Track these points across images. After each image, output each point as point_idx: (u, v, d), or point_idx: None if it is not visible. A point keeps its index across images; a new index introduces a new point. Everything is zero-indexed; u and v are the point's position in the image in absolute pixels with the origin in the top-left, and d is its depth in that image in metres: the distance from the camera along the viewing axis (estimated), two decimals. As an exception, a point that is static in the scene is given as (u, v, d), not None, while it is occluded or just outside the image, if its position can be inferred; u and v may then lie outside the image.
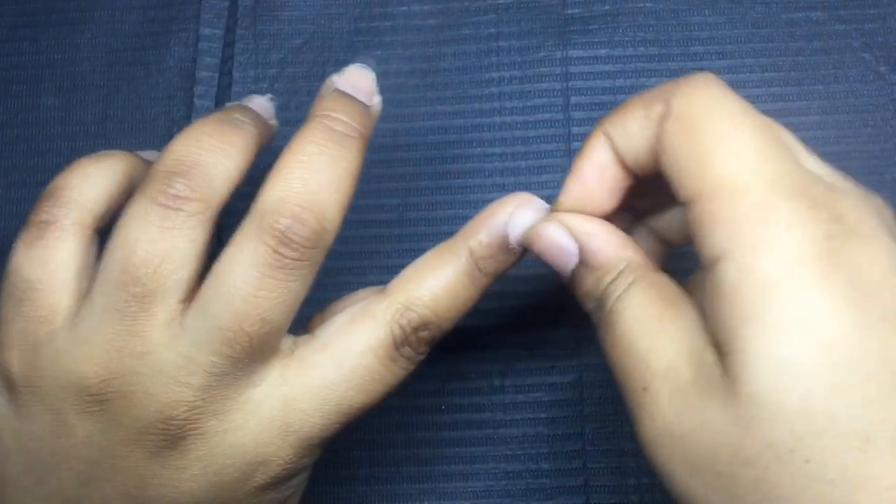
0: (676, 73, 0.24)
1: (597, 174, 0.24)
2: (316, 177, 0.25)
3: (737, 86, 0.35)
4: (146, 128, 0.36)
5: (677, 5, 0.37)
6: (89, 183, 0.26)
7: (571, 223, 0.25)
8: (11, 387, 0.25)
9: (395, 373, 0.26)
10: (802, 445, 0.19)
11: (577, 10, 0.37)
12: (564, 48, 0.36)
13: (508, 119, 0.36)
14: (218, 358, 0.24)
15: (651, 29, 0.36)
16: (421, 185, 0.35)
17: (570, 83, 0.36)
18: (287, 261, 0.24)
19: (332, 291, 0.28)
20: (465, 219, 0.27)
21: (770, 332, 0.19)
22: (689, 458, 0.21)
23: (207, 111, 0.36)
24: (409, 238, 0.35)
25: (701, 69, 0.35)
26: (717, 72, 0.36)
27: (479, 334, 0.34)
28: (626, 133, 0.24)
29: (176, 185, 0.24)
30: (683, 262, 0.32)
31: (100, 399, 0.24)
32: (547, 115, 0.36)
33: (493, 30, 0.37)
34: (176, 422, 0.24)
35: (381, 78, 0.36)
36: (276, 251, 0.24)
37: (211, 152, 0.25)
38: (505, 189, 0.35)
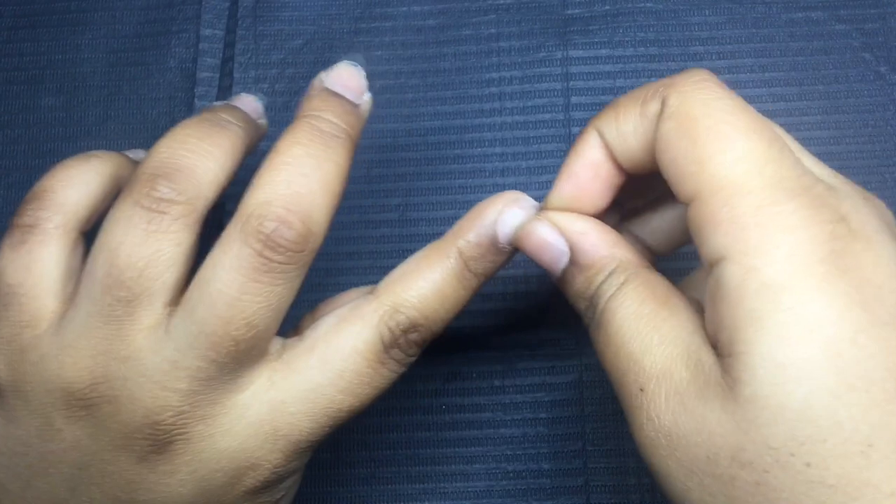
0: (677, 73, 0.24)
1: (589, 172, 0.24)
2: (302, 179, 0.24)
3: (737, 86, 0.35)
4: (147, 128, 0.36)
5: (677, 5, 0.37)
6: (74, 185, 0.26)
7: (561, 222, 0.24)
8: None
9: (384, 375, 0.25)
10: (803, 449, 0.19)
11: (577, 11, 0.37)
12: (565, 48, 0.36)
13: (509, 119, 0.36)
14: (204, 363, 0.24)
15: (651, 29, 0.36)
16: (421, 185, 0.35)
17: (571, 83, 0.36)
18: (273, 264, 0.24)
19: (332, 292, 0.28)
20: (465, 219, 0.27)
21: (773, 334, 0.19)
22: (686, 460, 0.20)
23: (208, 111, 0.36)
24: (409, 238, 0.35)
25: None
26: (717, 72, 0.36)
27: (479, 334, 0.34)
28: (620, 131, 0.23)
29: (160, 189, 0.24)
30: (681, 263, 0.32)
31: (86, 404, 0.24)
32: (547, 116, 0.36)
33: (493, 30, 0.37)
34: (163, 427, 0.24)
35: (382, 78, 0.36)
36: (261, 255, 0.23)
37: (196, 154, 0.25)
38: (505, 189, 0.35)
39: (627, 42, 0.36)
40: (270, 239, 0.23)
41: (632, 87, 0.35)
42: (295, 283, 0.24)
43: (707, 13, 0.36)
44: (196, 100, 0.36)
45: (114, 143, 0.36)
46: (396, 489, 0.33)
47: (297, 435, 0.25)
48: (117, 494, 0.25)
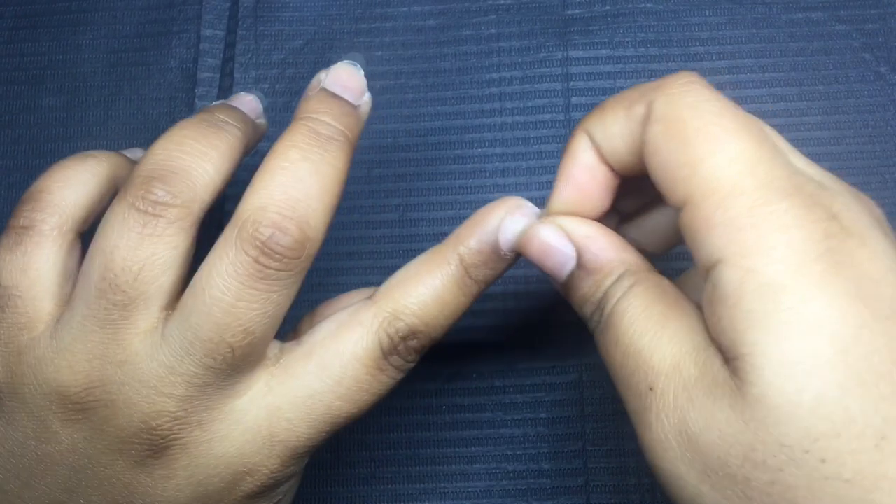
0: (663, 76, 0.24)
1: (586, 174, 0.24)
2: (298, 184, 0.24)
3: (737, 86, 0.36)
4: (147, 128, 0.36)
5: (678, 6, 0.37)
6: (70, 186, 0.26)
7: (568, 226, 0.24)
8: None
9: (382, 382, 0.25)
10: (817, 446, 0.19)
11: (577, 11, 0.37)
12: (565, 48, 0.36)
13: (509, 119, 0.36)
14: (200, 369, 0.24)
15: (651, 29, 0.36)
16: (421, 185, 0.35)
17: (571, 83, 0.36)
18: (269, 271, 0.23)
19: (332, 292, 0.28)
20: (465, 219, 0.27)
21: (777, 334, 0.19)
22: (698, 461, 0.20)
23: (208, 112, 0.36)
24: (409, 238, 0.35)
25: (701, 69, 0.35)
26: (717, 72, 0.36)
27: (480, 334, 0.34)
28: (607, 133, 0.23)
29: (156, 191, 0.24)
30: (678, 263, 0.32)
31: (82, 407, 0.24)
32: (547, 116, 0.36)
33: (493, 30, 0.37)
34: (159, 432, 0.24)
35: (382, 78, 0.36)
36: (257, 261, 0.23)
37: (192, 156, 0.25)
38: (505, 189, 0.35)
39: (627, 42, 0.36)
40: (266, 246, 0.23)
41: (632, 88, 0.36)
42: (292, 290, 0.24)
43: (707, 13, 0.36)
44: (197, 100, 0.36)
45: (114, 143, 0.36)
46: (396, 489, 0.33)
47: (295, 441, 0.25)
48: (114, 498, 0.24)
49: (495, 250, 0.25)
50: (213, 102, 0.29)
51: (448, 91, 0.36)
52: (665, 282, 0.23)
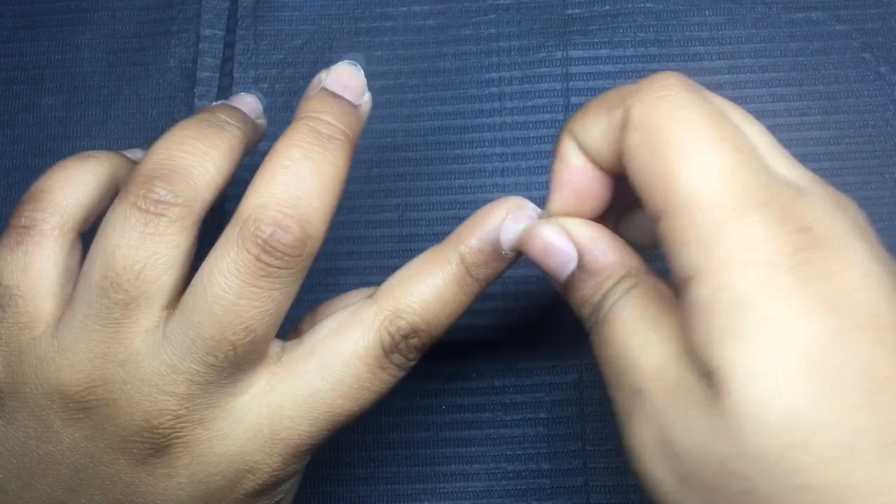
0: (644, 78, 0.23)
1: (579, 175, 0.24)
2: (299, 182, 0.24)
3: (737, 86, 0.36)
4: (147, 128, 0.36)
5: (677, 5, 0.37)
6: (71, 185, 0.26)
7: (571, 227, 0.24)
8: None
9: (383, 380, 0.25)
10: (789, 456, 0.19)
11: (577, 11, 0.37)
12: (565, 48, 0.36)
13: (509, 119, 0.36)
14: (201, 367, 0.24)
15: (651, 29, 0.36)
16: (421, 185, 0.35)
17: (571, 83, 0.36)
18: (271, 269, 0.23)
19: (332, 292, 0.28)
20: (464, 219, 0.27)
21: (748, 349, 0.19)
22: (678, 466, 0.20)
23: (208, 111, 0.36)
24: (408, 238, 0.35)
25: (701, 69, 0.35)
26: (717, 72, 0.36)
27: (479, 334, 0.34)
28: (590, 137, 0.23)
29: (157, 190, 0.24)
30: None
31: (83, 406, 0.24)
32: (547, 116, 0.36)
33: (493, 30, 0.37)
34: (160, 430, 0.24)
35: (381, 78, 0.36)
36: (258, 259, 0.23)
37: (193, 155, 0.25)
38: (505, 189, 0.35)
39: (627, 42, 0.36)
40: (268, 244, 0.23)
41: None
42: (293, 288, 0.24)
43: (707, 13, 0.36)
44: (196, 100, 0.36)
45: (114, 143, 0.36)
46: (396, 489, 0.33)
47: (296, 439, 0.25)
48: (116, 497, 0.25)
49: (496, 249, 0.25)
50: (214, 103, 0.29)
51: (447, 91, 0.36)
52: (663, 286, 0.23)
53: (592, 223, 0.24)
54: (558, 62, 0.36)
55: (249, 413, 0.25)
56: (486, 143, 0.36)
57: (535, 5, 0.37)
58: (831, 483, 0.19)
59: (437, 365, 0.34)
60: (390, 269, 0.27)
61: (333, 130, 0.25)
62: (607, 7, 0.37)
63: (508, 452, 0.33)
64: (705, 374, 0.20)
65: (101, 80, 0.37)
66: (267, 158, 0.25)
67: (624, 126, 0.22)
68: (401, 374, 0.26)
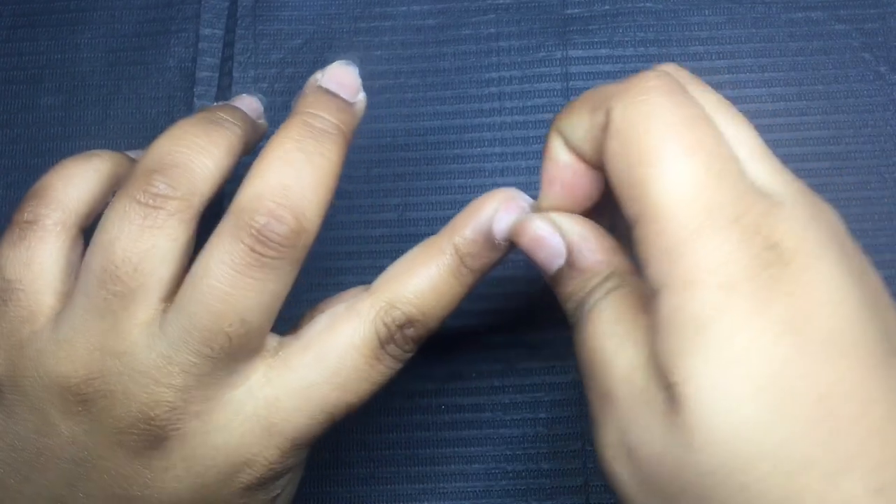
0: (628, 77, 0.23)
1: (568, 174, 0.24)
2: (293, 174, 0.24)
3: (737, 86, 0.36)
4: (146, 128, 0.36)
5: (677, 5, 0.37)
6: (73, 183, 0.26)
7: (561, 223, 0.24)
8: None
9: (380, 371, 0.25)
10: (739, 474, 0.19)
11: (577, 10, 0.37)
12: (564, 48, 0.36)
13: (508, 119, 0.36)
14: (197, 358, 0.24)
15: (651, 29, 0.36)
16: (420, 185, 0.35)
17: (571, 83, 0.36)
18: (265, 259, 0.24)
19: (332, 292, 0.28)
20: (464, 219, 0.27)
21: (705, 367, 0.20)
22: (639, 473, 0.21)
23: (207, 111, 0.36)
24: (408, 238, 0.35)
25: (700, 69, 0.35)
26: (717, 72, 0.36)
27: (480, 334, 0.34)
28: (575, 135, 0.23)
29: (156, 184, 0.24)
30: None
31: (82, 399, 0.24)
32: (547, 116, 0.36)
33: (493, 30, 0.37)
34: (157, 422, 0.24)
35: (381, 78, 0.36)
36: (252, 249, 0.23)
37: (193, 151, 0.25)
38: (505, 189, 0.35)
39: (627, 42, 0.36)
40: (261, 234, 0.23)
41: (631, 87, 0.36)
42: (288, 279, 0.24)
43: (707, 13, 0.36)
44: (195, 99, 0.36)
45: (113, 143, 0.36)
46: (396, 489, 0.33)
47: (293, 431, 0.25)
48: (113, 490, 0.25)
49: (489, 239, 0.26)
50: (214, 104, 0.29)
51: (447, 90, 0.36)
52: (646, 287, 0.23)
53: (583, 219, 0.25)
54: (558, 62, 0.36)
55: (246, 406, 0.25)
56: (486, 143, 0.36)
57: (534, 5, 0.37)
58: (784, 499, 0.19)
59: (437, 365, 0.34)
60: (390, 269, 0.27)
61: (327, 125, 0.26)
62: (607, 7, 0.37)
63: (508, 452, 0.33)
64: (666, 387, 0.20)
65: (100, 79, 0.37)
66: (262, 152, 0.25)
67: (605, 128, 0.22)
68: (397, 365, 0.26)
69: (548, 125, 0.35)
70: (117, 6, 0.38)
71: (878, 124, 0.35)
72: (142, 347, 0.24)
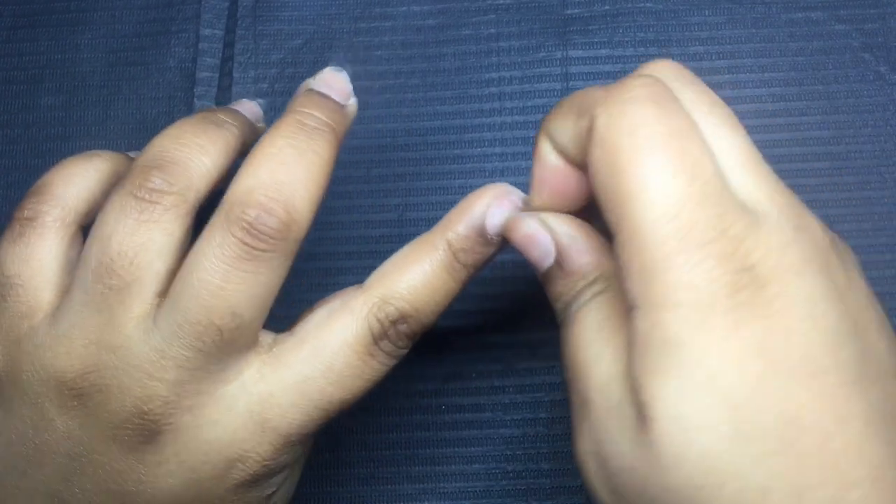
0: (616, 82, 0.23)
1: (557, 176, 0.24)
2: (285, 170, 0.24)
3: (737, 86, 0.35)
4: (146, 128, 0.36)
5: (677, 5, 0.37)
6: (73, 181, 0.27)
7: (551, 223, 0.24)
8: None
9: (373, 367, 0.26)
10: (702, 494, 0.19)
11: (577, 10, 0.37)
12: (564, 48, 0.36)
13: (509, 119, 0.36)
14: (189, 352, 0.24)
15: (651, 29, 0.36)
16: (420, 185, 0.35)
17: (571, 83, 0.36)
18: (256, 252, 0.24)
19: (332, 292, 0.28)
20: (464, 219, 0.27)
21: (674, 389, 0.20)
22: (610, 482, 0.21)
23: (207, 111, 0.36)
24: (408, 238, 0.34)
25: (700, 69, 0.35)
26: (717, 72, 0.36)
27: (480, 334, 0.34)
28: (563, 138, 0.23)
29: (153, 179, 0.25)
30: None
31: (77, 393, 0.24)
32: (547, 116, 0.36)
33: (493, 30, 0.37)
34: (151, 416, 0.24)
35: (381, 78, 0.36)
36: (243, 242, 0.24)
37: (190, 149, 0.25)
38: (505, 189, 0.35)
39: (627, 42, 0.36)
40: (252, 226, 0.24)
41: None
42: (279, 273, 0.25)
43: (707, 13, 0.36)
44: (195, 99, 0.36)
45: (113, 143, 0.36)
46: (396, 489, 0.33)
47: (287, 427, 0.25)
48: (108, 485, 0.25)
49: (482, 235, 0.26)
50: (214, 106, 0.30)
51: (447, 91, 0.36)
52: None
53: (572, 219, 0.24)
54: (558, 62, 0.36)
55: (239, 401, 0.25)
56: (486, 143, 0.36)
57: (534, 5, 0.37)
58: None
59: (437, 365, 0.34)
60: (390, 269, 0.27)
61: (319, 123, 0.26)
62: (607, 7, 0.37)
63: (508, 452, 0.33)
64: (637, 404, 0.20)
65: (100, 79, 0.37)
66: (254, 148, 0.25)
67: (588, 135, 0.22)
68: (391, 362, 0.26)
69: (548, 125, 0.36)
70: (117, 6, 0.38)
71: (878, 124, 0.35)
72: (136, 342, 0.24)
